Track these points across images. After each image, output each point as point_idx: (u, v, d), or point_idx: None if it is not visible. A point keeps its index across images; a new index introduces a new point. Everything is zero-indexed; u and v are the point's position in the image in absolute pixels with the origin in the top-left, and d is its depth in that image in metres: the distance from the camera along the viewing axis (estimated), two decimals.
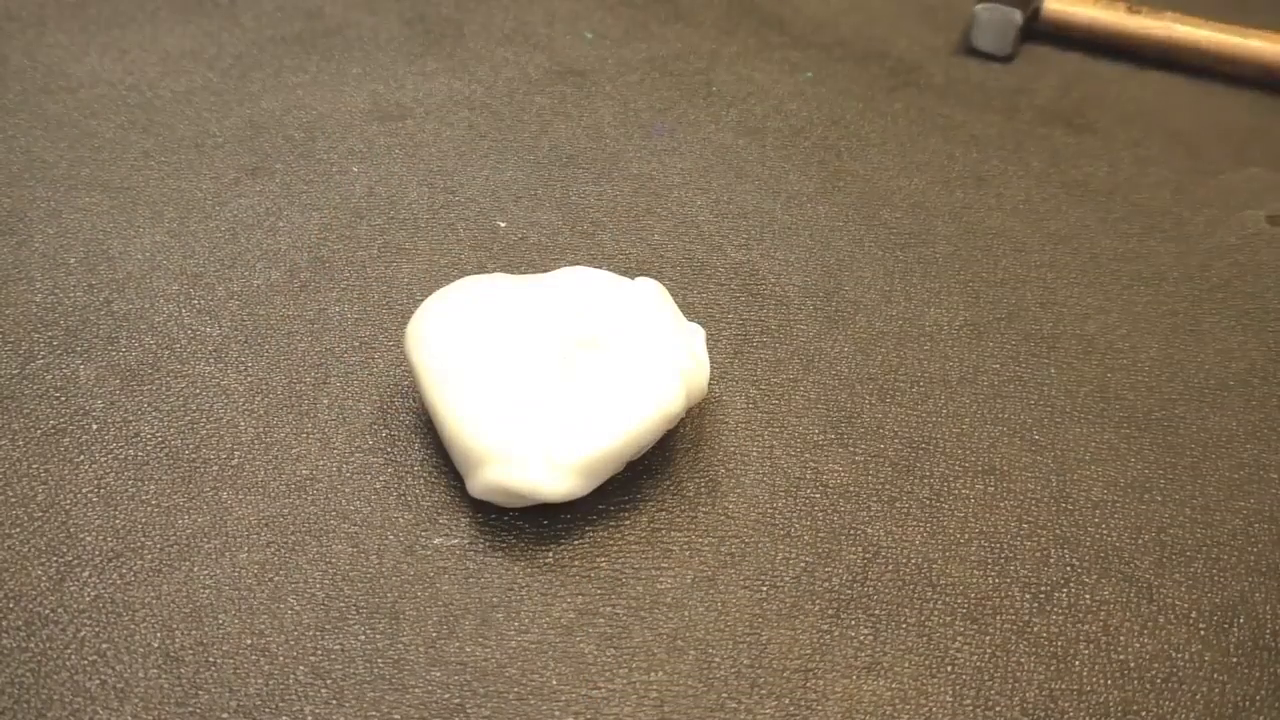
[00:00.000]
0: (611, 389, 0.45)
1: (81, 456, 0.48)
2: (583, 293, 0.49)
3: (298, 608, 0.43)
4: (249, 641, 0.42)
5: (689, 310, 0.55)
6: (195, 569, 0.44)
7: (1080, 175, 0.66)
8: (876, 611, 0.44)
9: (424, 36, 0.72)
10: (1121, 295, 0.57)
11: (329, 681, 0.41)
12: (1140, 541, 0.47)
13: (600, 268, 0.51)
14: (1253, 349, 0.55)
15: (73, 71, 0.68)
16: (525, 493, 0.44)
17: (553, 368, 0.46)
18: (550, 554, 0.45)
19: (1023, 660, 0.43)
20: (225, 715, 0.40)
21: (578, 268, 0.51)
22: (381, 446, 0.49)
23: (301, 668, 0.42)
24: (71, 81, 0.67)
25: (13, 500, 0.47)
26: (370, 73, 0.68)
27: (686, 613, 0.44)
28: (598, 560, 0.45)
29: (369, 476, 0.48)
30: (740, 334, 0.54)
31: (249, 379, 0.51)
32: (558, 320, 0.47)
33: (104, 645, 0.42)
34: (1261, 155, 0.68)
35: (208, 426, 0.49)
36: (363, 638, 0.43)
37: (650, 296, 0.49)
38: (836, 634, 0.43)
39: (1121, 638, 0.44)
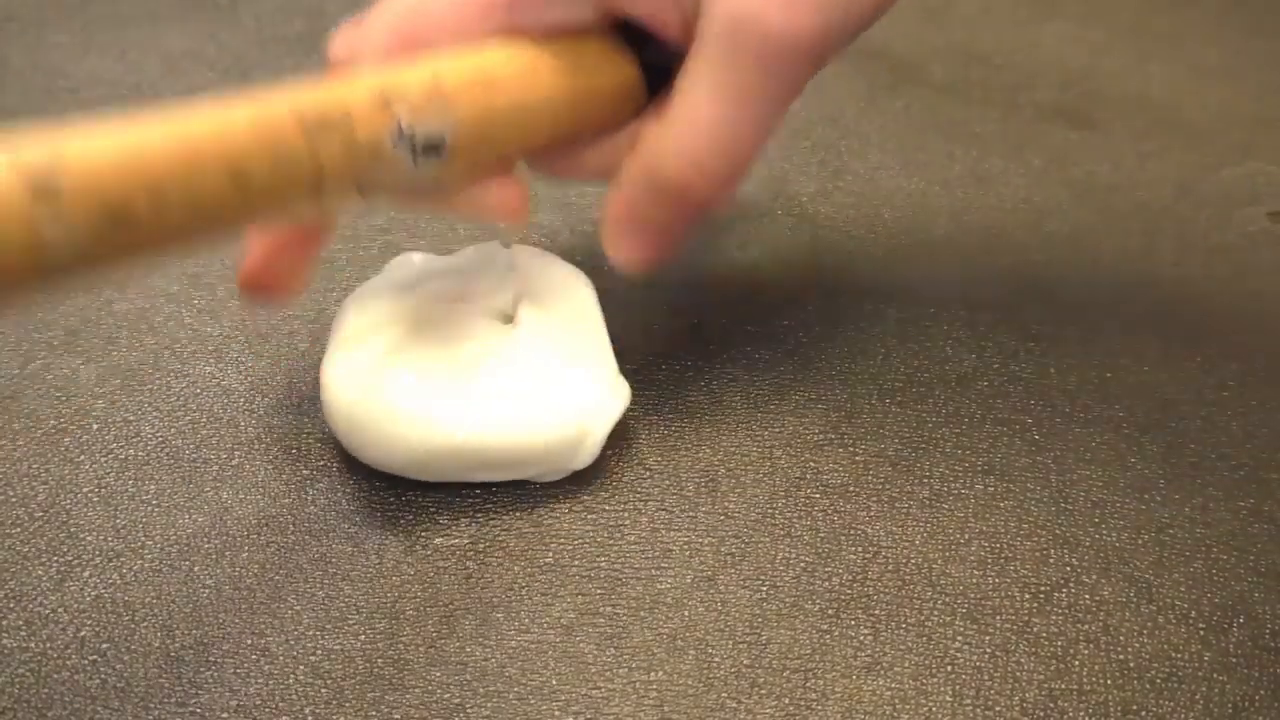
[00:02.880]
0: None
1: (82, 456, 0.48)
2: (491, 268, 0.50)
3: (298, 608, 0.43)
4: (249, 641, 0.42)
5: (689, 310, 0.55)
6: (195, 569, 0.44)
7: (1081, 173, 0.66)
8: (876, 611, 0.44)
9: None
10: (1121, 295, 0.57)
11: (329, 681, 0.41)
12: (1140, 541, 0.47)
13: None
14: (1253, 349, 0.55)
15: (73, 71, 0.68)
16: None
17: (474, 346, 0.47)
18: (550, 554, 0.45)
19: (1023, 660, 0.43)
20: (225, 715, 0.40)
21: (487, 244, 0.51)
22: None
23: (301, 668, 0.42)
24: (71, 81, 0.67)
25: (13, 500, 0.47)
26: None
27: (686, 613, 0.44)
28: (598, 560, 0.45)
29: (369, 476, 0.48)
30: (740, 334, 0.54)
31: (249, 379, 0.51)
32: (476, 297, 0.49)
33: (104, 645, 0.42)
34: (1265, 149, 0.68)
35: (208, 426, 0.49)
36: (363, 638, 0.43)
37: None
38: (836, 634, 0.43)
39: (1121, 638, 0.44)
